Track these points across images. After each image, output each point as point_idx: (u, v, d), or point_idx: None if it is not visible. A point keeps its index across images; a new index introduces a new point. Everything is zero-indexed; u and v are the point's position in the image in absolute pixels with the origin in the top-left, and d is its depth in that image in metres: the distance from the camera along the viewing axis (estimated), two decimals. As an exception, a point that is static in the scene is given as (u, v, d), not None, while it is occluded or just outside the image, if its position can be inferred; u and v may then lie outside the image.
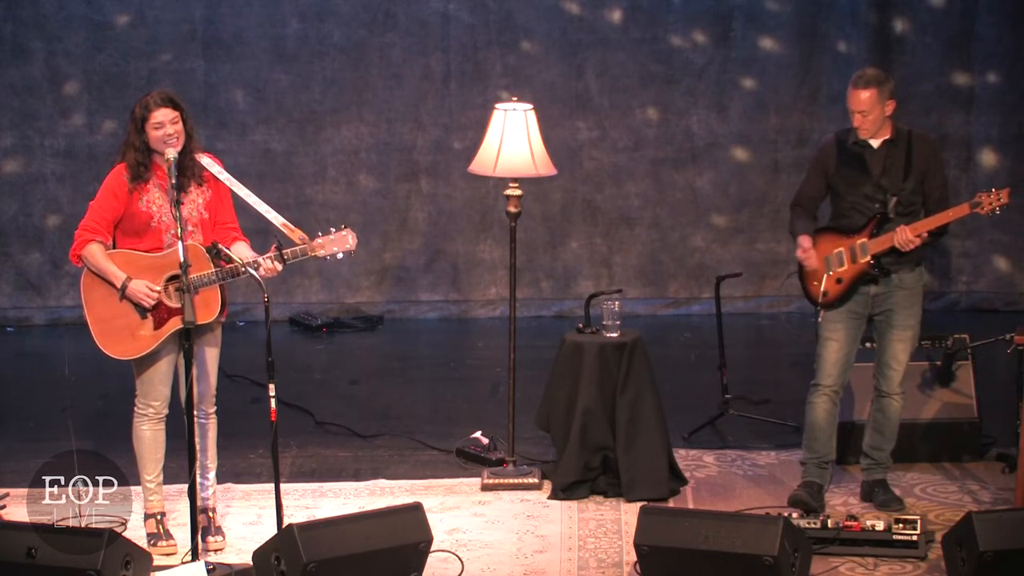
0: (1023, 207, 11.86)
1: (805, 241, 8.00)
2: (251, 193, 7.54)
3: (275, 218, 7.46)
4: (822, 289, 8.02)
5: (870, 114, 7.87)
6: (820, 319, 8.06)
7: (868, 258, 7.94)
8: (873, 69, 8.02)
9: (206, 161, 7.59)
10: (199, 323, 7.35)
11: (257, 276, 7.34)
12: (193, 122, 7.56)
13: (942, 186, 8.02)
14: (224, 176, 7.57)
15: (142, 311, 7.47)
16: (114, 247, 7.52)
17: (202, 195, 7.60)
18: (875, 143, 7.97)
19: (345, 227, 7.54)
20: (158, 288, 7.43)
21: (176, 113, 7.46)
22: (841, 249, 7.99)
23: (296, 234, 7.45)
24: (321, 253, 7.50)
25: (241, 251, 7.57)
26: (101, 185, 7.56)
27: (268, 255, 7.45)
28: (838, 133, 8.11)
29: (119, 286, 7.43)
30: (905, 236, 7.85)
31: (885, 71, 8.06)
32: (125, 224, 7.52)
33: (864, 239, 7.95)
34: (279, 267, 7.46)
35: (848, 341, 8.04)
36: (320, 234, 7.51)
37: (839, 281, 8.00)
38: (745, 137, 12.20)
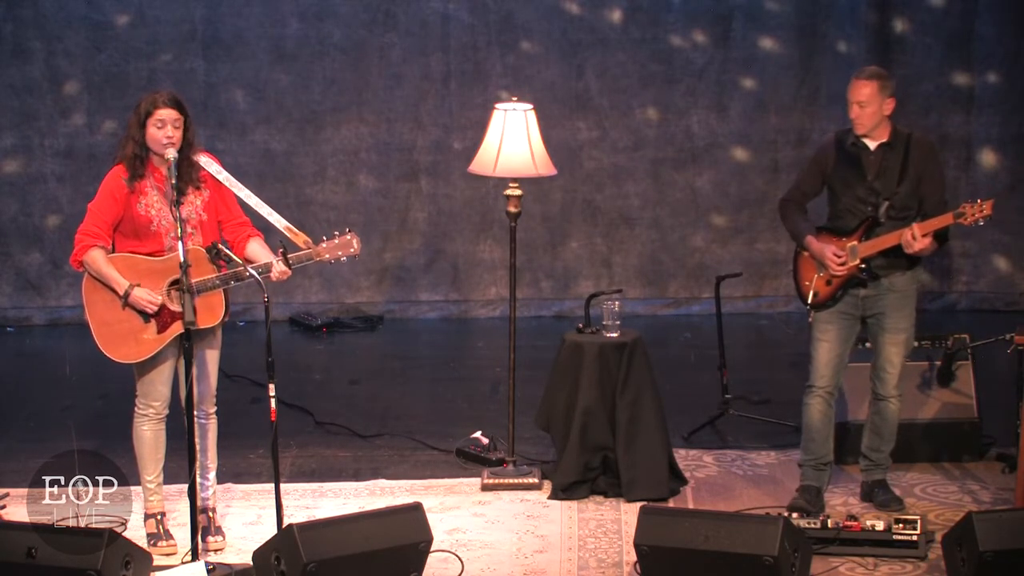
0: (1023, 207, 11.90)
1: (828, 248, 7.95)
2: (252, 194, 7.52)
3: (278, 221, 7.42)
4: (812, 289, 8.01)
5: (868, 106, 7.83)
6: (810, 319, 8.06)
7: (857, 261, 7.92)
8: (876, 67, 8.02)
9: (204, 160, 7.56)
10: (202, 327, 7.35)
11: (259, 278, 7.32)
12: (194, 128, 7.53)
13: (939, 191, 7.96)
14: (223, 176, 7.53)
15: (145, 315, 7.45)
16: (113, 250, 7.51)
17: (200, 197, 7.56)
18: (872, 145, 7.95)
19: (349, 231, 7.52)
20: (159, 295, 7.42)
21: (180, 117, 7.43)
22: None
23: (300, 238, 7.43)
24: (326, 257, 7.48)
25: (256, 250, 7.54)
26: (99, 187, 7.53)
27: (274, 260, 7.43)
28: (838, 133, 8.10)
29: (121, 294, 7.41)
30: (913, 234, 7.80)
31: (886, 72, 8.05)
32: (124, 226, 7.49)
33: (855, 242, 7.94)
34: (287, 270, 7.44)
35: (839, 342, 8.03)
36: (324, 238, 7.50)
37: (829, 283, 7.99)
38: (745, 137, 12.19)
